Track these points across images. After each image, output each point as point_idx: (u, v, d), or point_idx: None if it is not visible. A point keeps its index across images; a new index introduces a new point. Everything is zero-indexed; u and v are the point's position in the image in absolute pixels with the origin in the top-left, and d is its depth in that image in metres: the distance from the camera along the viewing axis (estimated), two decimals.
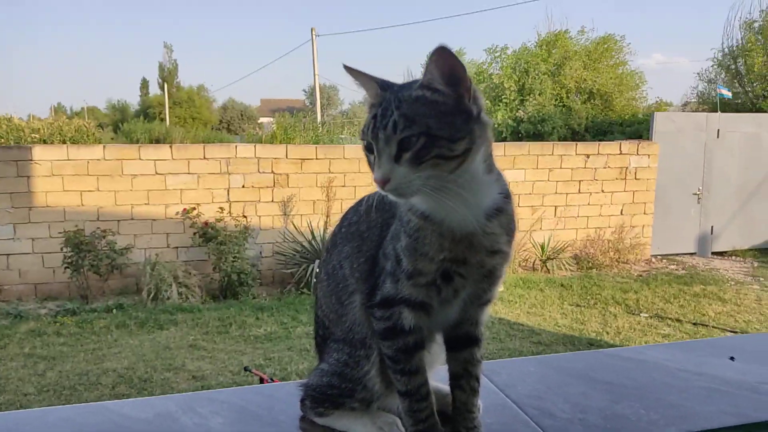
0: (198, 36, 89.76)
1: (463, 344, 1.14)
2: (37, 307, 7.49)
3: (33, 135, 11.58)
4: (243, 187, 8.49)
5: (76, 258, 7.44)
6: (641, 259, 10.15)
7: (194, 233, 8.12)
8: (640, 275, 9.28)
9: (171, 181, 8.20)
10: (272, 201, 8.63)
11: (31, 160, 7.72)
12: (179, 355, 5.87)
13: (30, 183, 7.72)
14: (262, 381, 4.22)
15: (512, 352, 5.95)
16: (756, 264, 10.23)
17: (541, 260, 9.42)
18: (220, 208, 8.24)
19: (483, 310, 1.14)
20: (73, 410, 1.37)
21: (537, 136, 16.53)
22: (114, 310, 7.20)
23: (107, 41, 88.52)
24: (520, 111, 17.64)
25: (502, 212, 1.02)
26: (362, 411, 1.17)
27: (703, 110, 15.62)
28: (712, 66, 17.57)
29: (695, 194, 10.57)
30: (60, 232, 7.55)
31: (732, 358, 1.55)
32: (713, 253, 10.81)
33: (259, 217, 8.59)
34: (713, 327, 6.83)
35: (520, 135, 17.08)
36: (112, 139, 19.58)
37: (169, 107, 38.32)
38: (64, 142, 10.77)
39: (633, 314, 7.29)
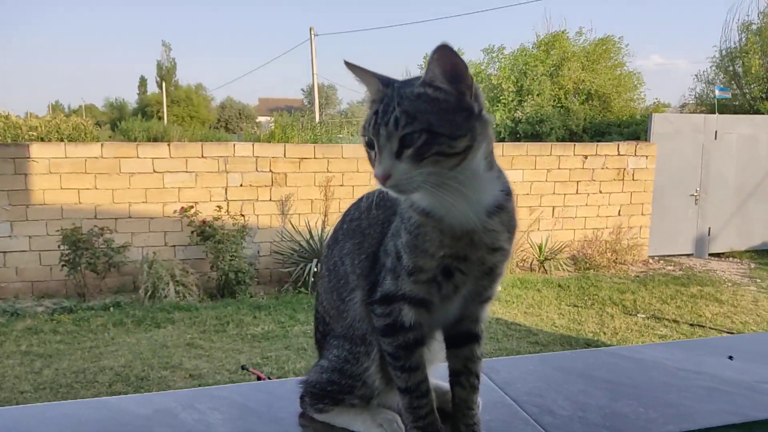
0: (196, 34, 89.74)
1: (463, 341, 1.14)
2: (34, 304, 7.48)
3: (30, 132, 11.56)
4: (241, 185, 8.48)
5: (74, 256, 7.43)
6: (638, 260, 10.16)
7: (192, 232, 8.11)
8: (638, 276, 9.30)
9: (169, 179, 8.19)
10: (270, 200, 8.63)
11: (29, 157, 7.70)
12: (176, 353, 5.86)
13: (27, 181, 7.71)
14: (259, 380, 4.22)
15: (509, 352, 5.95)
16: (753, 265, 10.25)
17: (538, 260, 9.43)
18: (218, 206, 8.23)
19: (483, 308, 1.14)
20: (72, 406, 1.37)
21: (535, 137, 16.54)
22: (111, 308, 7.19)
23: (105, 39, 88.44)
24: (518, 111, 17.65)
25: (503, 209, 1.03)
26: (362, 407, 1.17)
27: (701, 112, 15.65)
28: (710, 67, 17.61)
29: (693, 195, 10.59)
30: (57, 230, 7.53)
31: (731, 358, 1.56)
32: (710, 255, 10.83)
33: (257, 216, 8.58)
34: (710, 328, 6.84)
35: (518, 135, 17.09)
36: (109, 137, 19.56)
37: (167, 106, 38.30)
38: (61, 140, 10.75)
39: (630, 315, 7.30)
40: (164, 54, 42.85)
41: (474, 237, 1.01)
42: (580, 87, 18.47)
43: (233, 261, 7.82)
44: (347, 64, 1.01)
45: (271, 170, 8.59)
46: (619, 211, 10.18)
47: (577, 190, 9.93)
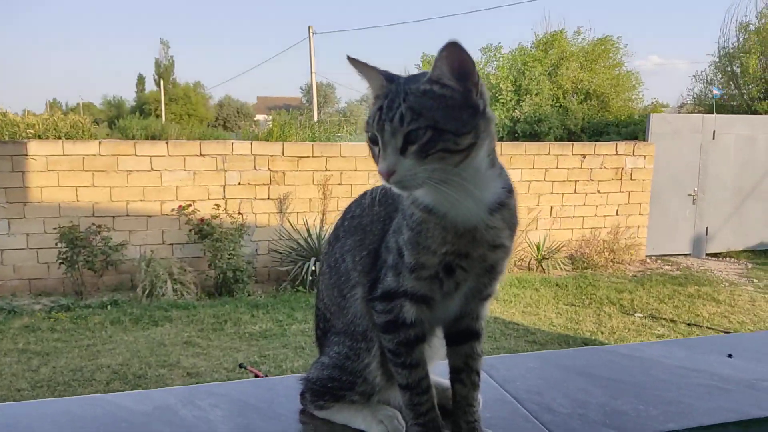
0: (195, 32, 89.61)
1: (463, 338, 1.14)
2: (32, 302, 7.47)
3: (28, 130, 11.54)
4: (239, 184, 8.47)
5: (71, 254, 7.42)
6: (636, 260, 10.18)
7: (190, 230, 8.10)
8: (635, 275, 9.31)
9: (167, 177, 8.18)
10: (268, 198, 8.62)
11: (26, 155, 7.68)
12: (174, 351, 5.85)
13: (25, 178, 7.69)
14: (257, 378, 4.22)
15: (507, 350, 5.96)
16: (750, 265, 10.27)
17: (536, 260, 9.44)
18: (216, 205, 8.22)
19: (484, 305, 1.14)
20: (72, 402, 1.37)
21: (533, 136, 16.56)
22: (108, 307, 7.17)
23: (103, 37, 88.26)
24: (516, 111, 17.67)
25: (505, 206, 1.03)
26: (362, 404, 1.17)
27: (699, 112, 15.67)
28: (708, 67, 17.65)
29: (690, 195, 10.61)
30: (55, 228, 7.52)
31: (730, 356, 1.56)
32: (708, 254, 10.85)
33: (255, 214, 8.58)
34: (707, 328, 6.86)
35: (516, 135, 17.11)
36: (107, 135, 19.52)
37: (165, 104, 38.27)
38: (59, 138, 10.72)
39: (627, 314, 7.31)
40: (162, 52, 42.82)
41: (476, 234, 1.01)
42: (579, 87, 18.50)
43: (231, 259, 7.82)
44: (350, 59, 1.01)
45: (269, 169, 8.58)
46: (617, 210, 10.19)
47: (575, 190, 9.94)
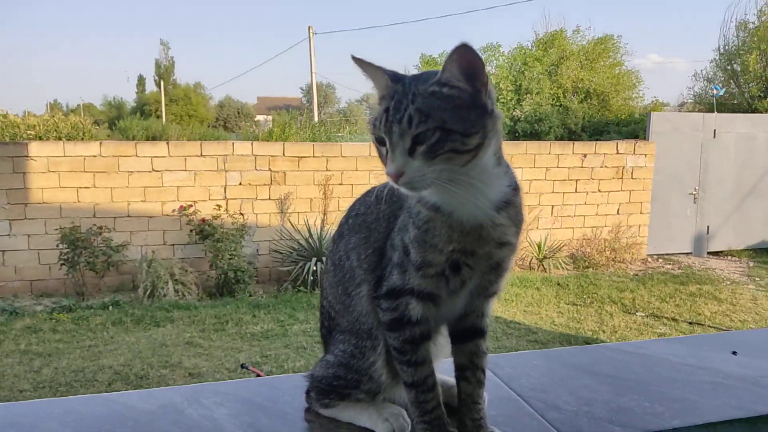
0: (195, 33, 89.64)
1: (469, 336, 1.14)
2: (33, 303, 7.47)
3: (29, 131, 11.54)
4: (240, 184, 8.47)
5: (72, 255, 7.42)
6: (637, 259, 10.17)
7: (191, 230, 8.10)
8: (636, 274, 9.31)
9: (167, 178, 8.18)
10: (269, 199, 8.62)
11: (27, 156, 7.68)
12: (176, 352, 5.85)
13: (26, 179, 7.69)
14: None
15: (509, 350, 5.96)
16: (751, 264, 10.27)
17: (537, 259, 9.44)
18: (217, 205, 8.22)
19: (489, 302, 1.14)
20: (76, 401, 1.37)
21: (534, 136, 16.56)
22: (110, 307, 7.17)
23: (104, 38, 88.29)
24: (517, 110, 17.67)
25: (511, 204, 1.03)
26: (368, 402, 1.16)
27: (700, 110, 15.67)
28: (709, 64, 17.66)
29: (691, 194, 10.60)
30: (56, 229, 7.52)
31: (734, 353, 1.56)
32: (709, 253, 10.84)
33: (256, 214, 8.58)
34: (709, 326, 6.85)
35: (517, 134, 17.11)
36: (108, 136, 19.51)
37: (166, 104, 38.28)
38: (60, 139, 10.72)
39: (629, 313, 7.31)
40: (163, 53, 42.86)
41: (482, 232, 1.01)
42: (579, 86, 18.51)
43: (232, 260, 7.82)
44: (354, 59, 1.00)
45: (270, 169, 8.58)
46: (618, 209, 10.18)
47: (576, 189, 9.94)
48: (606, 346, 1.72)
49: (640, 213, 10.32)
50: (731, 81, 16.61)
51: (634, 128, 14.49)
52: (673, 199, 10.53)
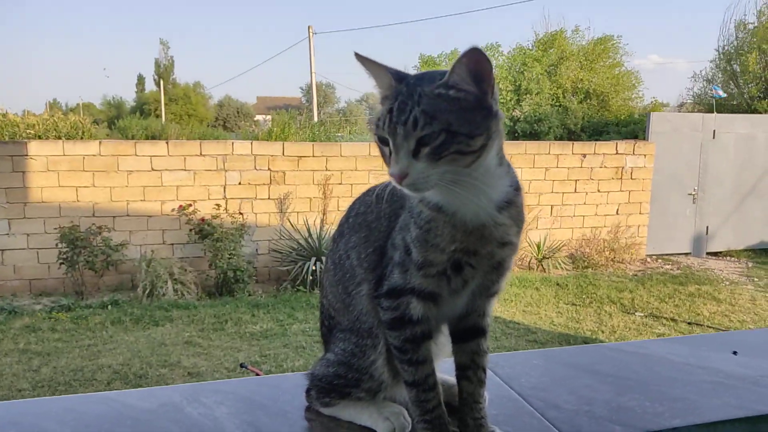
0: (194, 32, 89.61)
1: (470, 335, 1.14)
2: (32, 302, 7.46)
3: (28, 130, 11.52)
4: (239, 184, 8.47)
5: (72, 254, 7.41)
6: (636, 259, 10.18)
7: (190, 230, 8.09)
8: (636, 275, 9.31)
9: (167, 177, 8.17)
10: (269, 198, 8.62)
11: (27, 155, 7.68)
12: (175, 351, 5.85)
13: (25, 178, 7.69)
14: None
15: (508, 350, 5.95)
16: (750, 264, 10.27)
17: (537, 259, 9.44)
18: (217, 204, 8.21)
19: (490, 301, 1.14)
20: (76, 400, 1.37)
21: (533, 136, 16.57)
22: (109, 307, 7.17)
23: (104, 37, 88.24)
24: (516, 110, 17.67)
25: (512, 204, 1.03)
26: (368, 401, 1.16)
27: (699, 111, 15.67)
28: (709, 63, 17.68)
29: (690, 194, 10.61)
30: (55, 228, 7.51)
31: (735, 353, 1.56)
32: (708, 254, 10.85)
33: (256, 214, 8.57)
34: (708, 326, 6.86)
35: (516, 134, 17.11)
36: (107, 135, 19.51)
37: (165, 104, 38.25)
38: (59, 138, 10.71)
39: (628, 313, 7.31)
40: (162, 52, 42.77)
41: (484, 232, 1.01)
42: (579, 86, 18.51)
43: (231, 259, 7.81)
44: (358, 56, 1.00)
45: (269, 169, 8.58)
46: (618, 209, 10.19)
47: (575, 189, 9.94)
48: (606, 346, 1.72)
49: (640, 213, 10.32)
50: (731, 81, 16.62)
51: (633, 128, 14.49)
52: (672, 200, 10.53)
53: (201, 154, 8.31)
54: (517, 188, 1.04)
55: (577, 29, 19.83)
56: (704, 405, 1.29)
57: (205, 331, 6.45)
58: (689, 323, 6.94)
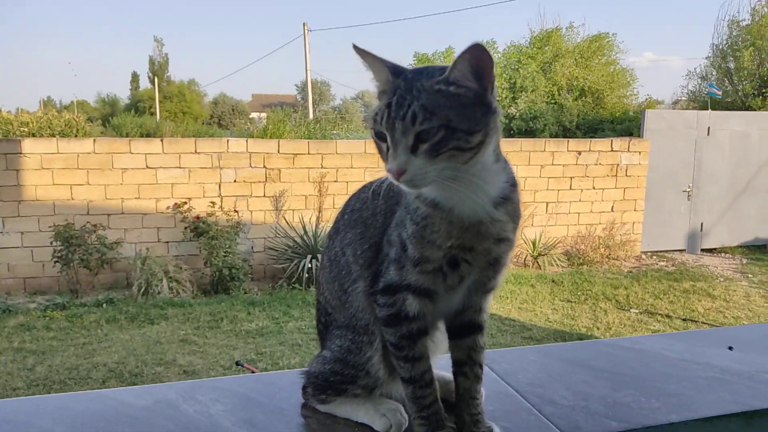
0: (189, 30, 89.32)
1: (466, 331, 1.14)
2: (27, 301, 7.43)
3: (22, 128, 11.47)
4: (234, 181, 8.45)
5: (66, 252, 7.38)
6: (631, 256, 10.21)
7: (185, 228, 8.07)
8: (631, 271, 9.34)
9: (162, 175, 8.15)
10: (264, 196, 8.60)
11: (21, 153, 7.64)
12: (170, 349, 5.84)
13: (19, 176, 7.65)
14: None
15: (504, 347, 5.96)
16: (745, 261, 10.32)
17: (532, 256, 9.45)
18: (212, 202, 8.19)
19: (487, 297, 1.14)
20: (70, 398, 1.36)
21: (529, 133, 16.60)
22: (104, 305, 7.15)
23: (98, 34, 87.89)
24: (511, 108, 17.69)
25: (509, 200, 1.03)
26: (365, 398, 1.16)
27: (694, 108, 15.72)
28: (704, 61, 17.73)
29: (685, 191, 10.64)
30: (50, 226, 7.48)
31: (730, 348, 1.56)
32: (703, 250, 10.88)
33: (251, 212, 8.56)
34: (702, 323, 6.88)
35: (511, 132, 17.14)
36: (102, 133, 19.42)
37: (160, 101, 38.11)
38: (53, 136, 10.67)
39: (623, 310, 7.33)
40: (156, 49, 42.58)
41: (481, 228, 1.00)
42: (574, 83, 18.54)
43: (227, 257, 7.80)
44: (356, 48, 0.99)
45: (264, 166, 8.56)
46: (613, 206, 10.21)
47: (570, 186, 9.96)
48: (602, 342, 1.72)
49: (635, 210, 10.35)
50: (725, 79, 16.67)
51: (628, 126, 14.53)
52: (667, 197, 10.56)
53: (196, 151, 8.29)
54: (513, 184, 1.04)
55: (572, 26, 19.86)
56: (700, 400, 1.29)
57: (201, 329, 6.44)
58: (684, 320, 6.97)
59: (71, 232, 7.38)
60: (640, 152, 10.20)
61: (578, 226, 10.04)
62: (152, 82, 40.60)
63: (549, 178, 9.82)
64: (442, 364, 1.20)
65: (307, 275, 7.82)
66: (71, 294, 7.57)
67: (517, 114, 17.34)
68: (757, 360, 1.51)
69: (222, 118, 38.99)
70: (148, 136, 14.90)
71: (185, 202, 8.12)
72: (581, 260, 9.59)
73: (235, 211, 8.38)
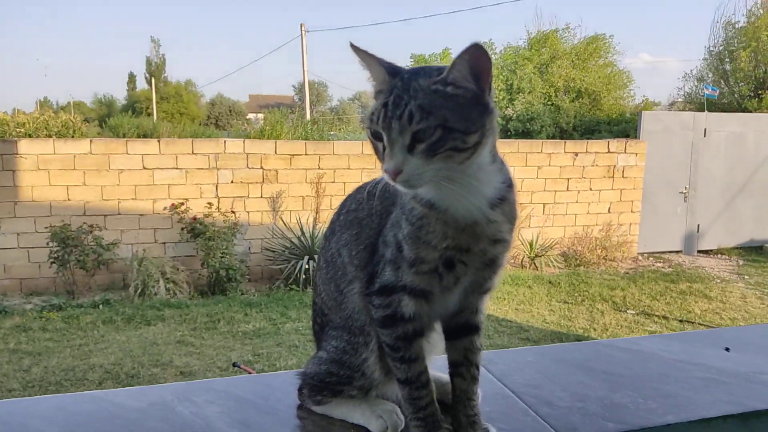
0: (186, 30, 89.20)
1: (463, 332, 1.13)
2: (23, 302, 7.41)
3: (18, 129, 11.43)
4: (231, 182, 8.44)
5: (63, 253, 7.36)
6: (628, 257, 10.22)
7: (182, 228, 8.06)
8: (627, 273, 9.35)
9: (159, 176, 8.13)
10: (261, 197, 8.59)
11: (17, 154, 7.62)
12: (167, 350, 5.82)
13: (15, 177, 7.63)
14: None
15: (501, 348, 5.97)
16: (741, 262, 10.34)
17: (529, 257, 9.46)
18: (209, 203, 8.18)
19: (483, 298, 1.13)
20: (65, 399, 1.35)
21: (526, 134, 16.61)
22: (100, 306, 7.13)
23: (94, 35, 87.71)
24: (509, 109, 17.71)
25: (505, 201, 1.02)
26: (361, 399, 1.16)
27: (690, 110, 15.75)
28: (700, 62, 17.79)
29: (682, 193, 10.66)
30: (46, 227, 7.46)
31: (727, 349, 1.56)
32: (699, 252, 10.90)
33: (248, 212, 8.55)
34: (699, 324, 6.89)
35: (508, 133, 17.16)
36: (98, 133, 19.37)
37: (157, 102, 38.07)
38: (50, 136, 10.64)
39: (620, 311, 7.34)
40: (153, 50, 42.53)
41: (477, 229, 1.00)
42: (571, 85, 18.57)
43: (224, 258, 7.79)
44: (354, 47, 0.99)
45: (261, 167, 8.55)
46: (609, 208, 10.22)
47: (567, 187, 9.97)
48: (599, 343, 1.72)
49: (631, 211, 10.36)
50: (722, 80, 16.71)
51: (625, 127, 14.56)
52: (663, 198, 10.58)
53: (193, 152, 8.28)
54: (509, 185, 1.04)
55: (568, 27, 19.90)
56: (697, 401, 1.29)
57: (198, 330, 6.43)
58: (680, 321, 6.98)
59: (68, 233, 7.36)
60: (636, 154, 10.22)
61: (575, 228, 10.05)
62: (149, 82, 40.54)
63: (546, 179, 9.83)
64: (438, 365, 1.20)
65: (304, 276, 7.81)
66: (68, 295, 7.55)
67: (514, 115, 17.36)
68: (753, 361, 1.51)
69: (219, 119, 38.93)
70: (144, 136, 14.87)
71: (182, 203, 8.10)
72: (578, 261, 9.60)
73: (232, 212, 8.37)
